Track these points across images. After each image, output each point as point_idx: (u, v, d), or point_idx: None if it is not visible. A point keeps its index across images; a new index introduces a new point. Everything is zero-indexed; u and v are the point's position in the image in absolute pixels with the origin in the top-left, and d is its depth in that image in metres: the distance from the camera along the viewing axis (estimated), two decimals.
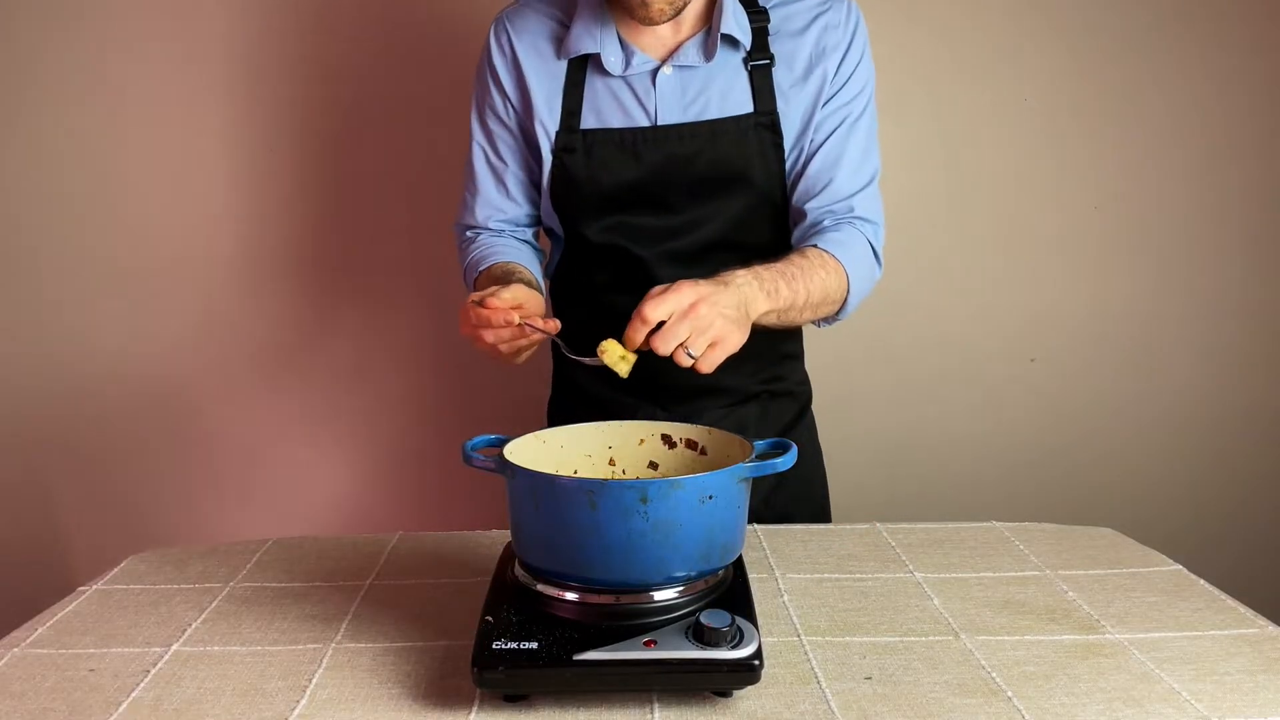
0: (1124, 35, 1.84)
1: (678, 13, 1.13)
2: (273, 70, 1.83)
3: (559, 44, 1.21)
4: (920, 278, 1.89)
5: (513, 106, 1.24)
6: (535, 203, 1.29)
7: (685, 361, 0.93)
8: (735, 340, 0.97)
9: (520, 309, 1.01)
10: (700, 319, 0.92)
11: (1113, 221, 1.91)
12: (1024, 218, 1.91)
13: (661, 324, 0.92)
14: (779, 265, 1.08)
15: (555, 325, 1.02)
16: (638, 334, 0.92)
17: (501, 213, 1.29)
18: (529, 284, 1.12)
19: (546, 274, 1.33)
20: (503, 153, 1.27)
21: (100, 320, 1.91)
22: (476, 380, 1.95)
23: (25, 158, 1.85)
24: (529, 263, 1.26)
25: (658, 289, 0.94)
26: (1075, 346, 1.95)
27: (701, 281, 0.96)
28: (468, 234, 1.31)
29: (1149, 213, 1.91)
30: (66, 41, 1.81)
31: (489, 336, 1.01)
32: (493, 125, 1.26)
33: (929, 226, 1.88)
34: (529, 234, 1.32)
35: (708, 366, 0.95)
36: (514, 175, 1.27)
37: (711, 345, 0.94)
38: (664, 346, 0.92)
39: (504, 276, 1.16)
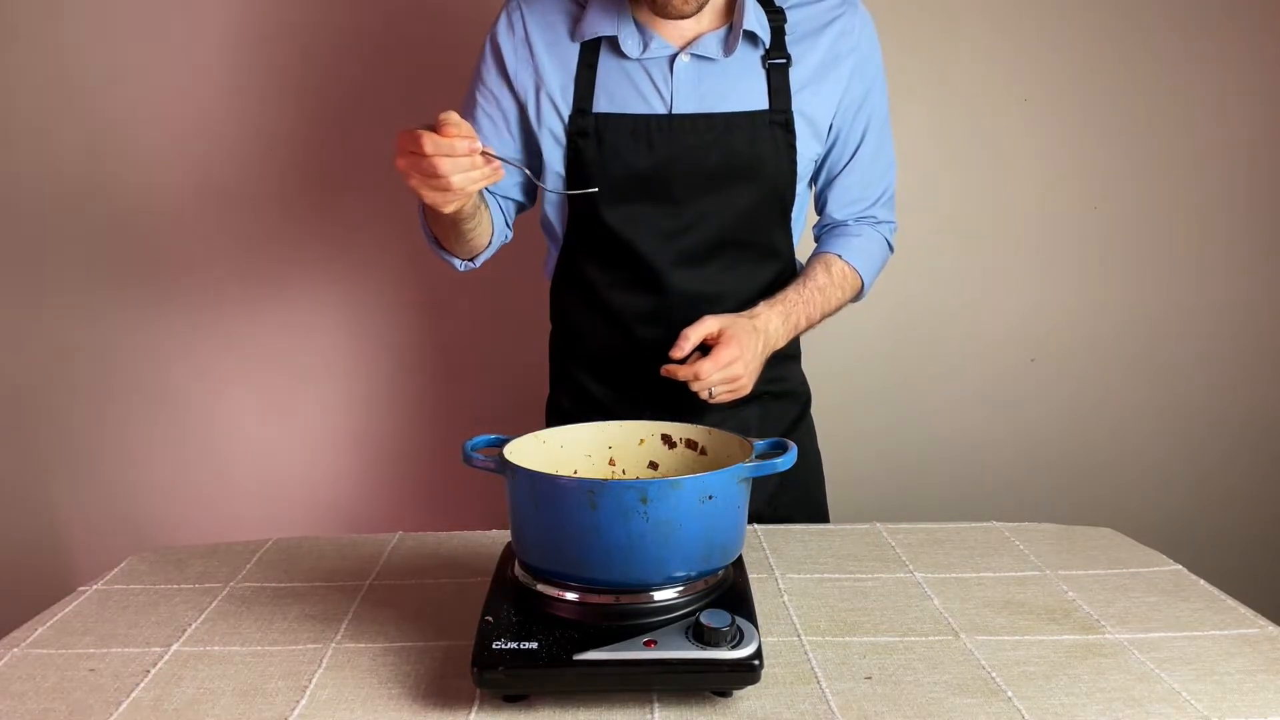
0: (1125, 35, 1.84)
1: (700, 7, 1.12)
2: (274, 67, 1.83)
3: (573, 26, 1.19)
4: (920, 278, 1.89)
5: (510, 89, 1.21)
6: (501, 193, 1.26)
7: (703, 396, 1.09)
8: (747, 390, 1.12)
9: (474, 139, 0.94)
10: (735, 379, 1.09)
11: (1113, 221, 1.91)
12: (1024, 217, 1.91)
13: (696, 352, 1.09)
14: (807, 293, 1.21)
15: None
16: (678, 372, 1.08)
17: None
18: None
19: (545, 274, 1.33)
20: (484, 127, 1.23)
21: (100, 319, 1.91)
22: (476, 380, 1.95)
23: (24, 154, 1.85)
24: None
25: (712, 328, 1.09)
26: (1075, 346, 1.95)
27: (747, 336, 1.10)
28: None
29: (1149, 212, 1.91)
30: (63, 39, 1.81)
31: (446, 168, 0.92)
32: (482, 101, 1.23)
33: (929, 227, 1.87)
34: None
35: (715, 402, 1.11)
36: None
37: (730, 392, 1.10)
38: (700, 390, 1.08)
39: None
